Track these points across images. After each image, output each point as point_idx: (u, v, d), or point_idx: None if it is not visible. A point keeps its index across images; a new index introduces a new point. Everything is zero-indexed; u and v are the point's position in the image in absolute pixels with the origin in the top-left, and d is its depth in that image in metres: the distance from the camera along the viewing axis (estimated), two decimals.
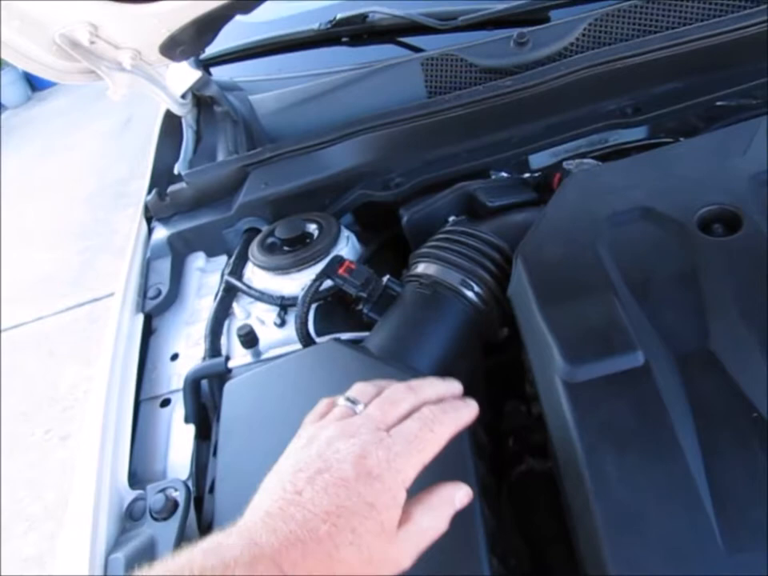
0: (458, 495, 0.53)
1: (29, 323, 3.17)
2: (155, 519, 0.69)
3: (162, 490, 0.71)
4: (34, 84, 5.80)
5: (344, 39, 1.12)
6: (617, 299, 0.62)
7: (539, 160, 0.94)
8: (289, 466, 0.51)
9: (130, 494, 0.73)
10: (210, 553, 0.45)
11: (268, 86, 1.14)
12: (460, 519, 0.56)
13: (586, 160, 0.86)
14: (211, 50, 1.22)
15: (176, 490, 0.71)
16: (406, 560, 0.49)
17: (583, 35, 0.92)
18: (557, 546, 0.64)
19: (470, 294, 0.71)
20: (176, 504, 0.69)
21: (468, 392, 0.70)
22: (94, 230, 3.64)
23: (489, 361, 0.80)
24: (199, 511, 0.72)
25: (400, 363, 0.67)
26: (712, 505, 0.49)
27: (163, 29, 0.91)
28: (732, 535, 0.48)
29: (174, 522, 0.68)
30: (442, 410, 0.54)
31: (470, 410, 0.56)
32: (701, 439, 0.53)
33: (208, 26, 0.95)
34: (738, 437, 0.53)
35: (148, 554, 0.66)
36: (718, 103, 0.89)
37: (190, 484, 0.74)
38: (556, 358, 0.59)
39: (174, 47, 0.94)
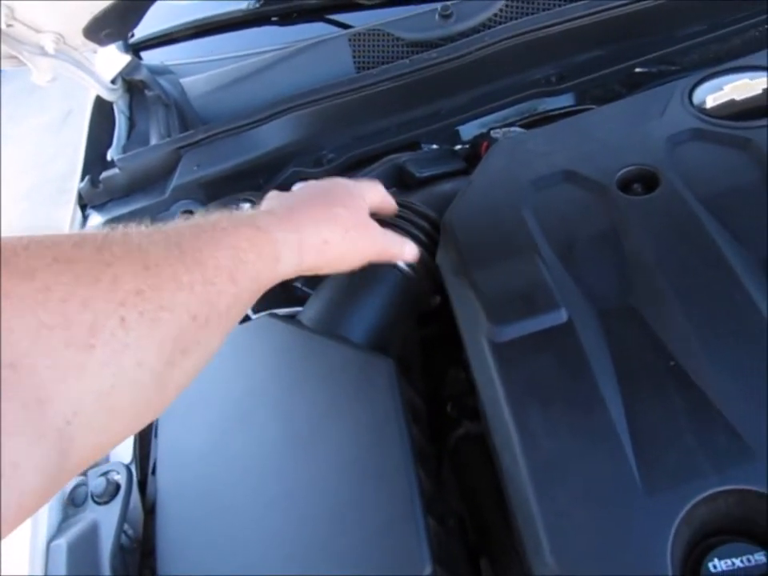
0: (412, 245, 0.68)
1: None
2: (97, 503, 0.69)
3: (104, 474, 0.70)
4: None
5: (273, 18, 1.11)
6: (541, 260, 0.63)
7: (470, 131, 0.96)
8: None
9: (72, 480, 0.73)
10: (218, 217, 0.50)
11: (199, 69, 1.13)
12: (396, 481, 0.57)
13: (512, 128, 0.88)
14: (141, 33, 1.20)
15: (118, 473, 0.71)
16: (374, 244, 0.63)
17: (506, 6, 0.93)
18: (494, 507, 0.65)
19: (400, 263, 0.71)
20: (118, 487, 0.69)
21: (403, 360, 0.72)
22: (36, 225, 3.56)
23: (430, 330, 0.81)
24: (143, 493, 0.72)
25: (334, 335, 0.68)
26: (632, 450, 0.51)
27: (85, 11, 0.89)
28: (650, 477, 0.50)
29: (116, 505, 0.68)
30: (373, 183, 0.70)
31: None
32: (622, 389, 0.55)
33: (131, 7, 0.93)
34: (656, 385, 0.55)
35: (90, 537, 0.66)
36: (638, 70, 0.92)
37: (132, 467, 0.74)
38: (482, 320, 0.60)
39: (97, 30, 0.93)
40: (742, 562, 0.46)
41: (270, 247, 0.51)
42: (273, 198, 0.63)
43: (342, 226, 0.59)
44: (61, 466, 0.35)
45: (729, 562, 0.47)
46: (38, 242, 0.37)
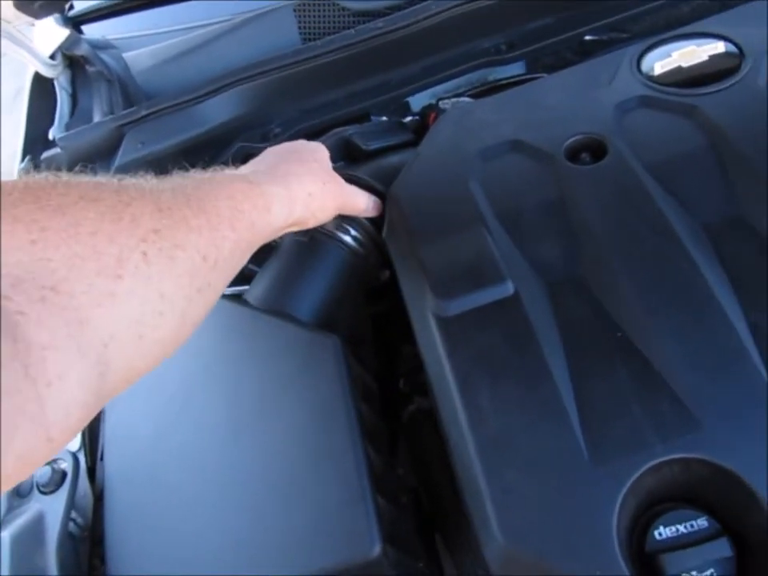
0: (372, 198, 0.71)
1: None
2: (43, 493, 0.67)
3: (49, 463, 0.69)
4: None
5: None
6: (487, 232, 0.62)
7: (420, 102, 0.94)
8: None
9: None
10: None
11: (142, 43, 1.08)
12: (344, 461, 0.57)
13: (461, 99, 0.86)
14: (81, 6, 1.16)
15: (64, 461, 0.69)
16: (345, 195, 0.66)
17: None
18: (446, 482, 0.65)
19: (347, 238, 0.70)
20: (64, 475, 0.68)
21: (354, 337, 0.70)
22: None
23: (381, 305, 0.80)
24: (93, 480, 0.71)
25: (280, 313, 0.66)
26: (579, 422, 0.51)
27: None
28: (596, 449, 0.50)
29: (63, 494, 0.66)
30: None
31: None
32: (569, 361, 0.55)
33: None
34: (603, 356, 0.54)
35: (36, 528, 0.64)
36: (589, 38, 0.91)
37: (80, 454, 0.72)
38: (428, 294, 0.59)
39: (29, 1, 0.89)
40: (685, 528, 0.47)
41: (263, 199, 0.54)
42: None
43: (320, 179, 0.62)
44: (100, 388, 0.38)
45: (673, 528, 0.47)
46: (63, 182, 0.40)
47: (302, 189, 0.60)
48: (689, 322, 0.54)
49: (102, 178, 0.43)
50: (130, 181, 0.45)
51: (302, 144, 0.69)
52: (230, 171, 0.57)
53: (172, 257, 0.42)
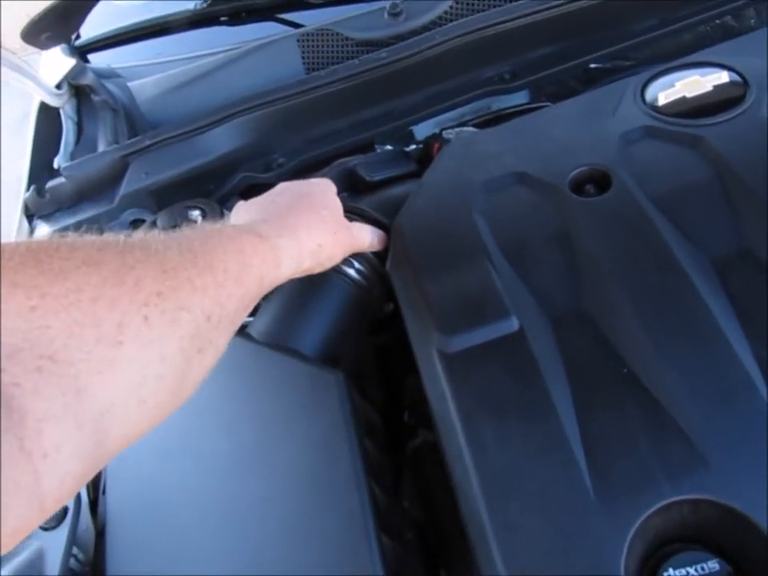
0: (377, 232, 0.71)
1: None
2: (44, 529, 0.66)
3: None
4: None
5: (222, 19, 1.09)
6: (492, 266, 0.62)
7: (424, 131, 0.94)
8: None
9: None
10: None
11: (148, 71, 1.10)
12: (347, 500, 0.56)
13: (465, 128, 0.86)
14: (87, 35, 1.17)
15: None
16: (353, 239, 0.66)
17: (457, 3, 0.92)
18: (451, 518, 0.64)
19: (350, 271, 0.70)
20: (66, 510, 0.67)
21: (357, 370, 0.70)
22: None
23: (385, 337, 0.80)
24: (95, 514, 0.70)
25: (283, 347, 0.66)
26: (585, 459, 0.50)
27: (21, 13, 0.86)
28: (603, 489, 0.49)
29: (64, 530, 0.65)
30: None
31: None
32: (575, 398, 0.54)
33: (72, 9, 0.90)
34: (609, 393, 0.54)
35: (36, 565, 0.63)
36: (593, 66, 0.91)
37: (82, 489, 0.71)
38: (431, 330, 0.59)
39: (37, 33, 0.89)
40: (696, 570, 0.46)
41: (272, 254, 0.54)
42: (246, 207, 0.65)
43: (331, 228, 0.62)
44: (96, 456, 0.38)
45: (683, 571, 0.46)
46: (66, 244, 0.40)
47: (312, 241, 0.59)
48: (695, 357, 0.53)
49: (107, 237, 0.43)
50: (136, 238, 0.45)
51: (313, 186, 0.68)
52: (240, 223, 0.57)
53: (175, 319, 0.42)
